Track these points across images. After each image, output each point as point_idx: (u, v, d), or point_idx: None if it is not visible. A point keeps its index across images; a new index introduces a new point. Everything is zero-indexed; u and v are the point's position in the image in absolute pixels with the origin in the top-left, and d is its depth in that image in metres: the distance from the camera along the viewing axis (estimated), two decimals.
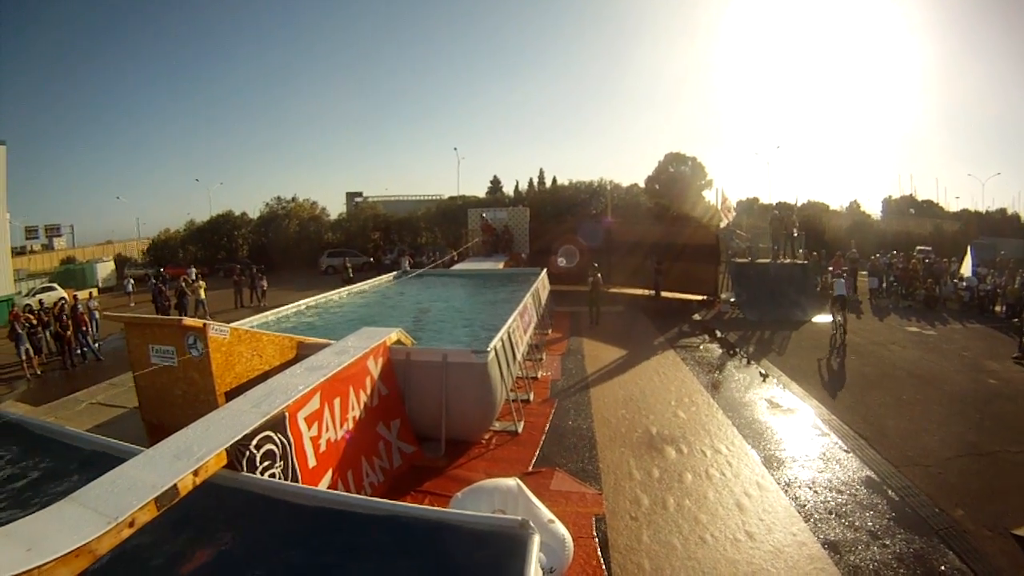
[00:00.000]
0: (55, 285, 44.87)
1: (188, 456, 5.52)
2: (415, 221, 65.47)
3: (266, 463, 6.73)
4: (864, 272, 37.88)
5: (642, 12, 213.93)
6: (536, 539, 4.55)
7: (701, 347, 23.08)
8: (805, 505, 10.32)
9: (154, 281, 34.27)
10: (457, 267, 32.88)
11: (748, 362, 20.49)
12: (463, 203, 63.56)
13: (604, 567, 8.16)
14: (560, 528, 7.16)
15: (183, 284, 32.48)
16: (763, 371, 19.37)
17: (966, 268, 34.36)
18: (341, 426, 9.08)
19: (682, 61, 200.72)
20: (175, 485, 4.99)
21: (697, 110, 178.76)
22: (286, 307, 17.19)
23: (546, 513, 7.46)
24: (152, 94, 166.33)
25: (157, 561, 4.79)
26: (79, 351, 24.10)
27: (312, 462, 7.94)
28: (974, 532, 9.49)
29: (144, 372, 10.68)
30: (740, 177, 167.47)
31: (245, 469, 6.18)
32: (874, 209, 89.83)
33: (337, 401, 9.07)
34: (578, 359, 20.64)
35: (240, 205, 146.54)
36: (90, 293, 39.72)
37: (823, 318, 28.16)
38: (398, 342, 12.09)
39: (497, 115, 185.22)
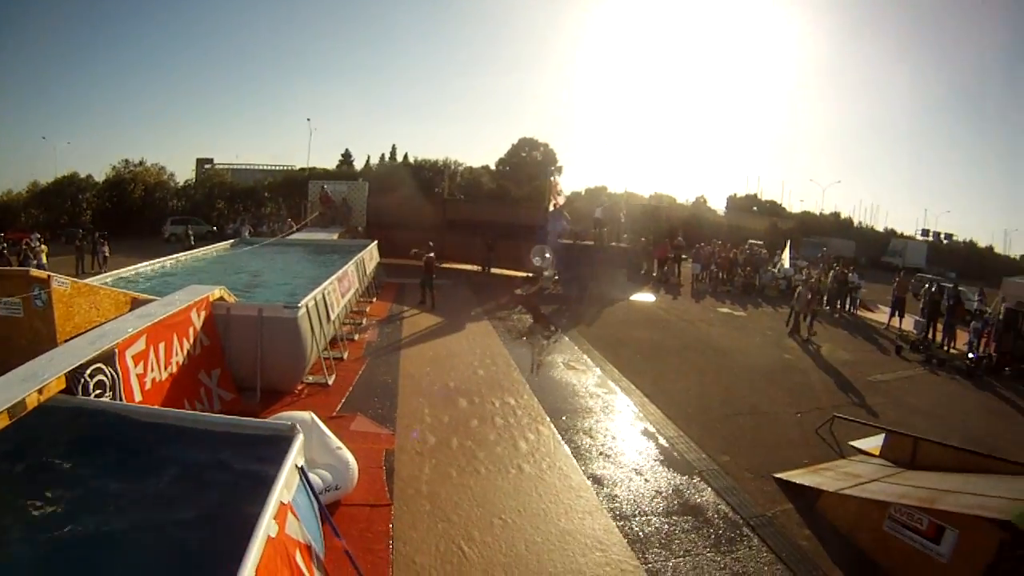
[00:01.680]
0: None
1: (34, 379, 6.49)
2: (260, 191, 65.24)
3: (97, 391, 7.66)
4: (688, 259, 40.44)
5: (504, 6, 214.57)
6: (300, 438, 5.84)
7: (514, 317, 24.40)
8: (579, 448, 11.72)
9: (20, 246, 33.17)
10: (293, 236, 33.63)
11: (556, 331, 21.90)
12: (310, 175, 63.60)
13: (388, 491, 9.39)
14: (347, 454, 8.45)
15: (26, 248, 31.95)
16: (568, 339, 20.82)
17: (785, 260, 37.28)
18: (165, 368, 10.06)
19: (544, 48, 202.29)
20: (23, 400, 5.99)
21: (555, 96, 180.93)
22: (123, 270, 17.56)
23: (335, 441, 8.71)
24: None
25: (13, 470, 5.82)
26: None
27: (138, 397, 8.87)
28: (736, 474, 11.01)
29: None
30: (593, 166, 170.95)
31: (80, 395, 7.19)
32: (720, 205, 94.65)
33: (162, 345, 10.04)
34: (396, 324, 21.68)
35: (87, 167, 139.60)
36: None
37: (641, 296, 30.39)
38: (220, 298, 12.98)
39: (356, 88, 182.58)
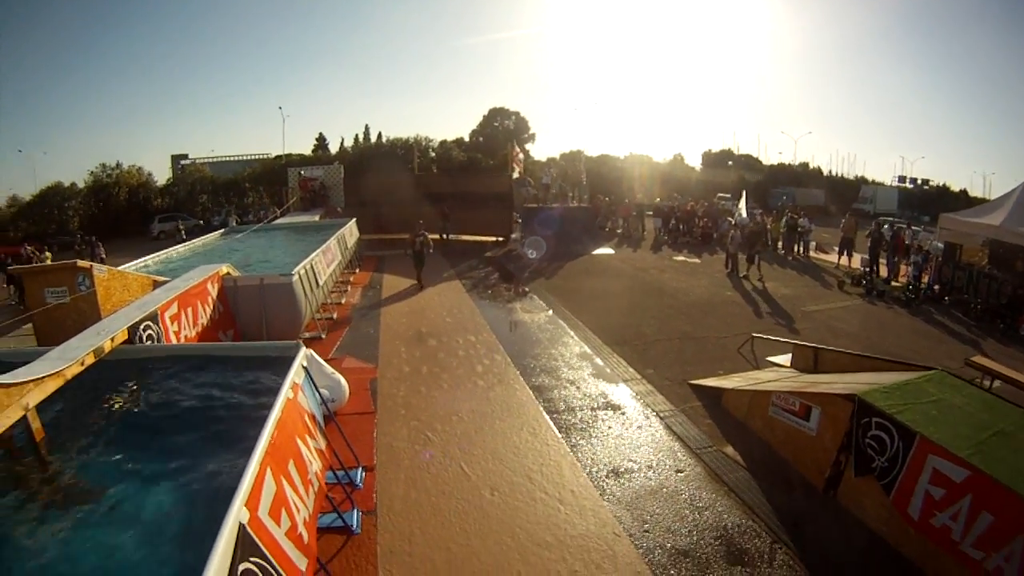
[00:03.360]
0: None
1: (107, 332, 9.21)
2: (240, 182, 66.50)
3: (148, 341, 10.43)
4: (650, 213, 42.66)
5: None
6: (302, 351, 8.52)
7: (481, 276, 26.89)
8: (526, 368, 14.41)
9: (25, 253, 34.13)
10: (278, 222, 35.87)
11: (519, 284, 24.29)
12: (287, 162, 64.87)
13: (373, 403, 12.30)
14: (339, 377, 11.26)
15: (34, 257, 33.34)
16: (527, 288, 23.39)
17: (742, 210, 38.29)
18: (193, 327, 12.82)
19: (512, 16, 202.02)
20: (102, 346, 8.72)
21: (526, 68, 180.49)
22: (135, 262, 19.59)
23: (329, 369, 11.60)
24: None
25: (94, 398, 8.41)
26: None
27: None
28: (656, 383, 13.45)
29: (39, 311, 13.50)
30: (567, 130, 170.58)
31: (137, 343, 9.99)
32: (697, 162, 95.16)
33: (189, 310, 12.78)
34: (377, 289, 24.22)
35: (66, 175, 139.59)
36: None
37: (602, 251, 32.78)
38: (227, 273, 15.65)
39: (324, 70, 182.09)
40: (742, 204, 39.58)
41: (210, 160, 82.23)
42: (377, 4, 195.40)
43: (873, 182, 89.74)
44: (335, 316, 19.27)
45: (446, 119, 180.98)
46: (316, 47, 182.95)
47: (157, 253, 21.95)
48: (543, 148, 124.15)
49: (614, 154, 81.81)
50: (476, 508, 8.65)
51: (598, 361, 15.00)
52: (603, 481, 9.38)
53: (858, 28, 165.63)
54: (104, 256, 36.97)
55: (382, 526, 8.21)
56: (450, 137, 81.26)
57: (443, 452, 10.27)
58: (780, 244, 35.15)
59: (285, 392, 6.97)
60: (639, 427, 11.32)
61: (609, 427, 11.32)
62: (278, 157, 76.05)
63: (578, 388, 13.25)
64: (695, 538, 7.93)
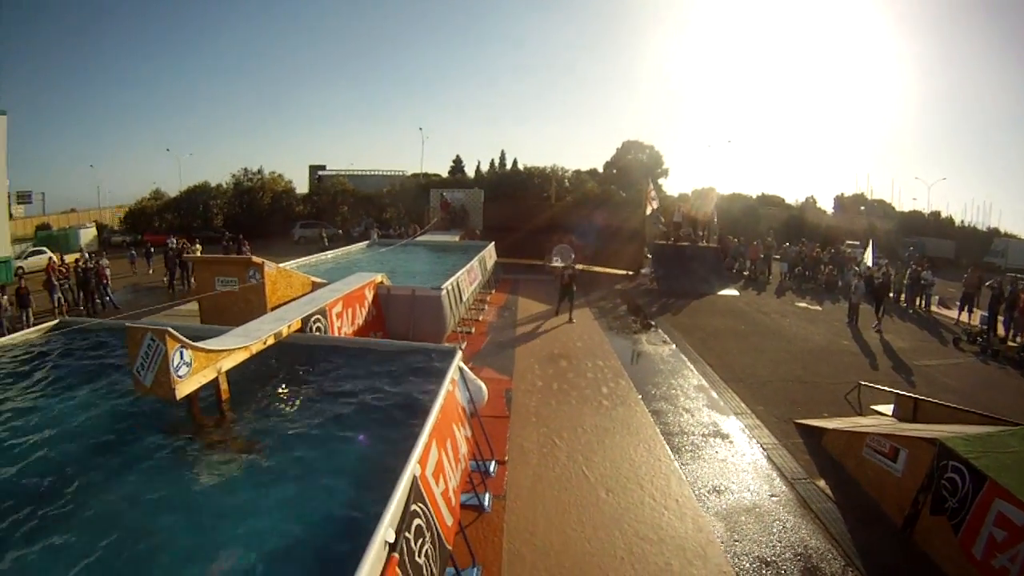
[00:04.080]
0: (44, 249, 46.16)
1: (282, 321, 10.86)
2: (381, 197, 68.02)
3: (317, 331, 12.13)
4: (777, 257, 42.86)
5: (612, 4, 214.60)
6: (459, 353, 9.89)
7: (612, 306, 27.94)
8: (647, 393, 15.71)
9: (177, 246, 36.27)
10: (419, 239, 37.33)
11: (646, 318, 25.42)
12: (426, 181, 67.26)
13: (507, 409, 13.96)
14: (480, 382, 12.40)
15: (185, 248, 35.55)
16: (653, 323, 24.44)
17: (868, 259, 37.67)
18: (351, 325, 14.51)
19: (648, 51, 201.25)
20: (281, 331, 10.36)
21: (660, 101, 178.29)
22: (292, 262, 21.33)
23: (472, 375, 12.91)
24: (122, 65, 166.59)
25: (270, 373, 9.95)
26: (100, 300, 28.37)
27: None
28: (764, 418, 14.41)
29: (208, 295, 15.41)
30: (700, 166, 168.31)
31: (307, 331, 11.67)
32: (829, 205, 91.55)
33: (350, 310, 14.49)
34: (512, 310, 25.76)
35: (207, 175, 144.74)
36: (76, 257, 37.74)
37: (727, 292, 33.08)
38: (382, 282, 17.29)
39: (463, 93, 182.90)
40: (868, 253, 38.77)
41: (347, 173, 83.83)
42: (516, 31, 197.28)
43: (1007, 234, 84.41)
44: (473, 330, 20.76)
45: (580, 148, 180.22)
46: (456, 69, 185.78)
47: (308, 257, 23.91)
48: (675, 183, 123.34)
49: (746, 193, 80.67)
50: (592, 504, 10.01)
51: (713, 394, 16.05)
52: (704, 495, 10.55)
53: (1001, 71, 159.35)
54: (250, 254, 38.65)
55: (510, 509, 9.67)
56: (584, 166, 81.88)
57: (567, 456, 11.72)
58: (903, 296, 34.58)
59: (447, 384, 8.36)
60: (742, 455, 12.40)
61: (716, 451, 12.45)
62: (414, 175, 78.34)
63: (692, 416, 14.41)
64: (777, 552, 8.97)
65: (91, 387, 9.13)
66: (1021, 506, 7.79)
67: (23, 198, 66.81)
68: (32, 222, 67.92)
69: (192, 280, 32.00)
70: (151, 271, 39.51)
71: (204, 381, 8.05)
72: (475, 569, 7.96)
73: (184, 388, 7.62)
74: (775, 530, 9.58)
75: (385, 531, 4.80)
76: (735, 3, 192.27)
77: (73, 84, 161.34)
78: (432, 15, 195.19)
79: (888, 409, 14.75)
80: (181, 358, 7.57)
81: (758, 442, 13.06)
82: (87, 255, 34.08)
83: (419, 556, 5.40)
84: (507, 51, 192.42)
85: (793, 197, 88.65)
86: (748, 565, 8.62)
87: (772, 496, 10.72)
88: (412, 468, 5.80)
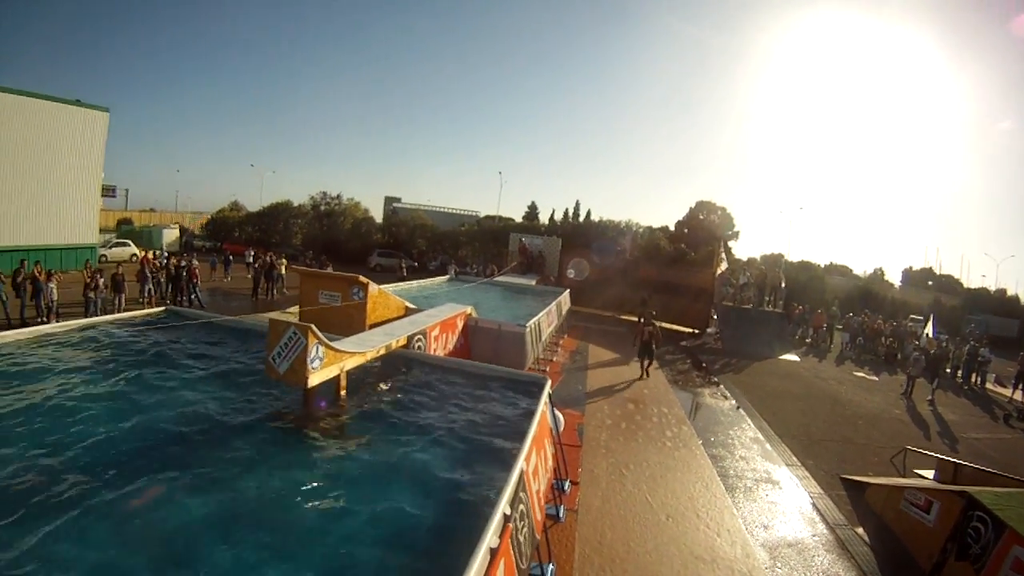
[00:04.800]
0: (128, 241, 48.99)
1: (391, 336, 12.42)
2: (458, 235, 69.16)
3: (418, 348, 13.51)
4: (840, 327, 43.32)
5: (693, 61, 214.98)
6: (549, 383, 11.18)
7: (678, 362, 29.03)
8: (706, 439, 17.01)
9: (264, 258, 37.98)
10: (497, 279, 38.36)
11: (709, 375, 26.59)
12: (502, 225, 68.15)
13: (579, 440, 15.27)
14: (559, 412, 13.69)
15: (271, 261, 37.16)
16: (716, 379, 25.54)
17: (928, 333, 38.14)
18: (444, 349, 15.93)
19: (727, 112, 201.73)
20: (391, 343, 11.93)
21: (736, 163, 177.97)
22: (386, 286, 21.15)
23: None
24: (218, 78, 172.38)
25: (376, 381, 11.42)
26: (188, 297, 29.91)
27: None
28: (813, 472, 15.48)
29: (312, 308, 16.77)
30: (770, 231, 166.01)
31: (410, 348, 13.09)
32: (897, 277, 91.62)
33: (445, 335, 16.01)
34: (583, 355, 27.19)
35: (283, 194, 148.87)
36: (155, 253, 40.32)
37: (788, 356, 33.86)
38: (471, 314, 18.74)
39: (540, 141, 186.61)
40: (929, 327, 39.22)
41: (423, 208, 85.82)
42: (599, 85, 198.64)
43: None
44: (548, 369, 21.84)
45: (653, 204, 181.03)
46: (533, 116, 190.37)
47: (398, 284, 25.46)
48: (745, 246, 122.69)
49: (815, 261, 79.30)
50: (653, 525, 11.33)
51: (767, 447, 17.17)
52: (753, 528, 11.80)
53: None
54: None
55: (581, 522, 11.05)
56: (656, 222, 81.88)
57: (633, 484, 13.08)
58: (959, 371, 34.88)
59: (543, 402, 9.78)
60: (790, 499, 13.58)
61: (766, 494, 13.65)
62: (488, 217, 79.68)
63: (747, 463, 15.61)
64: None
65: (198, 366, 11.09)
66: None
67: (108, 192, 67.23)
68: (114, 215, 71.37)
69: (276, 291, 35.25)
70: (227, 279, 41.39)
71: (329, 376, 9.51)
72: (550, 565, 9.05)
73: (314, 379, 9.02)
74: (814, 564, 10.73)
75: (504, 505, 5.98)
76: (818, 68, 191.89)
77: (172, 89, 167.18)
78: (516, 63, 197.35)
79: (930, 474, 15.47)
80: (316, 352, 8.96)
81: (806, 490, 14.14)
82: (166, 254, 37.24)
83: (520, 535, 6.52)
84: (588, 102, 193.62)
85: (861, 268, 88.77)
86: None
87: (814, 536, 11.85)
88: (520, 463, 7.03)
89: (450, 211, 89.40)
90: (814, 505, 13.35)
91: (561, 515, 11.00)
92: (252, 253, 42.55)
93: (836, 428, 20.21)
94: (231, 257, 43.83)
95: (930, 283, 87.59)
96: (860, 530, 12.35)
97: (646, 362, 24.33)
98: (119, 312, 16.07)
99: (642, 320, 26.03)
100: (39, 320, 22.40)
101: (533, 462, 8.09)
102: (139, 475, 6.69)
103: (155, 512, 6.13)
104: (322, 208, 72.45)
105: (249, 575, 5.39)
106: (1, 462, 6.70)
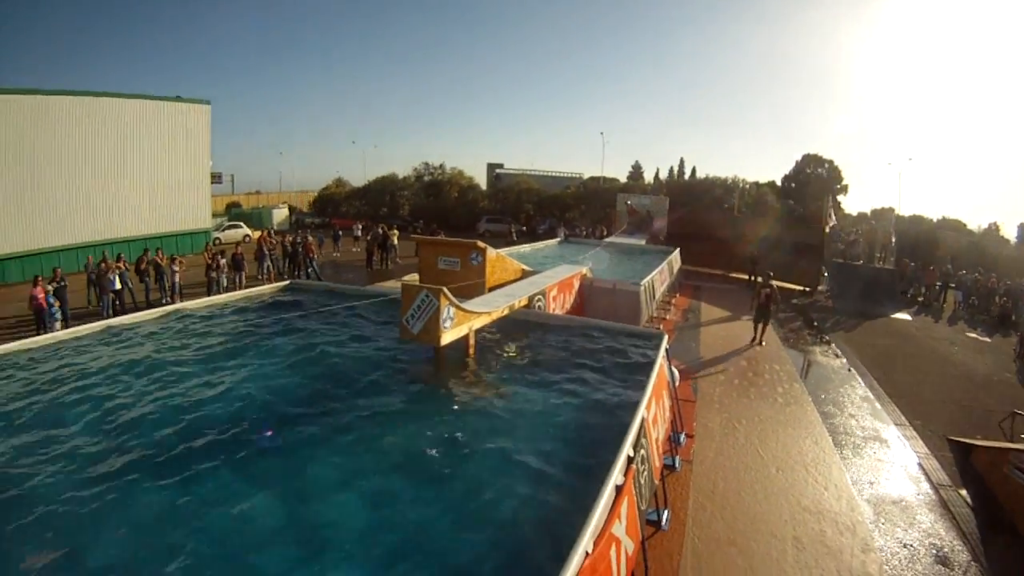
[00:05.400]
0: (240, 224, 51.98)
1: (512, 297, 13.13)
2: (564, 198, 69.28)
3: (538, 307, 14.26)
4: (953, 285, 41.73)
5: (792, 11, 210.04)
6: (666, 336, 11.86)
7: (789, 321, 29.09)
8: (817, 396, 17.43)
9: (376, 230, 39.78)
10: (607, 240, 38.66)
11: (820, 333, 26.70)
12: (607, 186, 68.84)
13: (694, 395, 16.04)
14: (675, 368, 13.99)
15: (384, 232, 38.79)
16: (827, 338, 25.65)
17: None
18: (562, 308, 16.67)
19: (833, 62, 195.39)
20: (513, 304, 12.64)
21: (842, 114, 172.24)
22: (502, 250, 21.38)
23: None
24: (315, 61, 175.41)
25: (501, 340, 12.23)
26: (306, 271, 31.46)
27: None
28: (921, 432, 15.64)
29: (433, 273, 17.32)
30: (880, 184, 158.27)
31: (532, 307, 13.82)
32: (1012, 233, 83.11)
33: (561, 295, 16.78)
34: (695, 313, 27.95)
35: (385, 168, 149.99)
36: (270, 232, 40.91)
37: (900, 315, 33.51)
38: (586, 275, 19.45)
39: (643, 98, 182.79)
40: None
41: (527, 173, 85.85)
42: (699, 40, 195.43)
43: None
44: (661, 327, 21.71)
45: (758, 159, 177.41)
46: (635, 73, 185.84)
47: (510, 248, 26.27)
48: (855, 200, 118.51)
49: (927, 215, 77.06)
50: (764, 476, 11.95)
51: (877, 406, 17.37)
52: (859, 483, 12.23)
53: None
54: None
55: (695, 472, 11.77)
56: (762, 178, 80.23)
57: (745, 438, 13.74)
58: None
59: (661, 355, 10.43)
60: (897, 458, 13.88)
61: (874, 452, 14.01)
62: (593, 178, 79.50)
63: (856, 421, 15.95)
64: (916, 536, 10.56)
65: (327, 335, 12.03)
66: None
67: (215, 178, 68.96)
68: (222, 200, 73.80)
69: (389, 261, 36.92)
70: (337, 252, 43.26)
71: (459, 335, 10.28)
72: (665, 510, 9.73)
73: (446, 338, 9.77)
74: (916, 520, 11.09)
75: (628, 448, 6.60)
76: (926, 14, 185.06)
77: (271, 78, 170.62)
78: (617, 18, 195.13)
79: None
80: (448, 313, 9.69)
81: (912, 450, 14.38)
82: (274, 231, 39.95)
83: (642, 477, 7.14)
84: (689, 59, 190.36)
85: (976, 223, 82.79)
86: (889, 543, 10.22)
87: (918, 495, 12.16)
88: (642, 411, 7.64)
89: (555, 174, 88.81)
90: (920, 465, 13.60)
91: (677, 465, 11.69)
92: (360, 226, 45.39)
93: (945, 389, 20.16)
94: (340, 232, 45.82)
95: None
96: (963, 492, 12.50)
97: (760, 327, 22.84)
98: (240, 288, 17.17)
99: (758, 280, 26.29)
100: (163, 301, 23.92)
101: (652, 411, 8.64)
102: (309, 424, 7.91)
103: (330, 458, 7.09)
104: (426, 179, 74.26)
105: (425, 497, 6.36)
106: (212, 410, 8.14)
